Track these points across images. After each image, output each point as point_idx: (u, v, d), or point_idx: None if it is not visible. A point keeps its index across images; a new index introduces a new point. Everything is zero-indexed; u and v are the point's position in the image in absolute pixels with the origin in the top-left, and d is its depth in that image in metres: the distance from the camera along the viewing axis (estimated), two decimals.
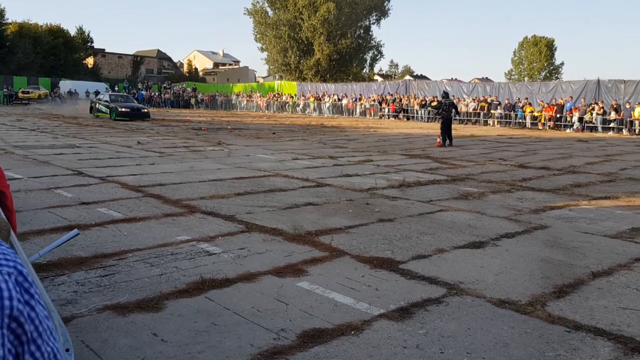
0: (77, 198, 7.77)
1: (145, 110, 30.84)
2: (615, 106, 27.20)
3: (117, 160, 12.13)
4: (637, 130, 26.01)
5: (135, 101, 33.10)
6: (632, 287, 4.66)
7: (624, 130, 26.26)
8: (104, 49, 75.41)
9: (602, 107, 27.17)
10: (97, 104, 30.59)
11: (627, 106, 26.94)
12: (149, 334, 3.51)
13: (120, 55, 78.61)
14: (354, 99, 41.16)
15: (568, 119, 27.69)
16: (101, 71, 69.65)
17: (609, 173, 11.97)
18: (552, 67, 68.49)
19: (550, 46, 67.97)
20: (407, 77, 70.76)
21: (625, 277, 4.92)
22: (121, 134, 19.60)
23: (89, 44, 66.75)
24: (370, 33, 58.46)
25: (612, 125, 26.82)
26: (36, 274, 4.44)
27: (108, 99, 30.46)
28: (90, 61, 70.03)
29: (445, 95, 19.85)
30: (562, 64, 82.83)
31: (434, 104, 18.19)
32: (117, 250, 5.31)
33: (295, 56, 56.07)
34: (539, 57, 67.24)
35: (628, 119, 26.31)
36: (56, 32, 60.55)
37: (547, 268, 5.11)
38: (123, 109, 28.50)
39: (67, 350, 1.28)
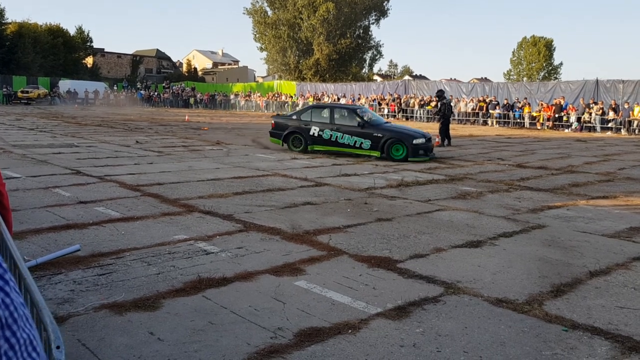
0: (75, 197, 7.76)
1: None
2: (613, 106, 27.22)
3: (116, 160, 12.12)
4: (635, 130, 26.03)
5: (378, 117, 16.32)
6: (629, 286, 4.66)
7: (622, 130, 26.26)
8: (103, 49, 75.38)
9: (602, 108, 27.19)
10: (315, 128, 14.36)
11: (626, 106, 26.96)
12: (146, 333, 3.51)
13: (119, 55, 78.58)
14: (353, 99, 41.15)
15: (565, 118, 27.69)
16: (100, 71, 69.58)
17: (607, 173, 11.98)
18: (550, 68, 68.51)
19: (549, 46, 67.98)
20: (406, 77, 70.75)
21: (623, 276, 4.92)
22: (120, 134, 19.59)
23: (88, 44, 66.69)
24: (370, 33, 58.50)
25: (610, 125, 26.84)
26: (34, 272, 4.44)
27: (329, 117, 14.44)
28: (89, 61, 69.97)
29: (440, 94, 19.59)
30: (561, 64, 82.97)
31: (433, 104, 18.03)
32: (114, 249, 5.31)
33: (294, 56, 56.08)
34: (538, 57, 67.25)
35: (627, 119, 26.32)
36: (55, 32, 60.48)
37: (545, 267, 5.11)
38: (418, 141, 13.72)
39: (58, 347, 1.28)
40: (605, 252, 5.70)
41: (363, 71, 61.39)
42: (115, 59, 77.57)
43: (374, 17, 57.50)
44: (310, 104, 43.05)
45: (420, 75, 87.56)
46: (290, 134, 14.72)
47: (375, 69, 72.65)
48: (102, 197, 7.82)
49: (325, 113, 14.56)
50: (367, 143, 13.67)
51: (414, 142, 13.40)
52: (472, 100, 33.49)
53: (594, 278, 4.84)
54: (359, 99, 41.00)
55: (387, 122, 15.13)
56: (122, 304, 3.96)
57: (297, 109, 43.88)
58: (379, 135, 13.63)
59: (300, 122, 14.70)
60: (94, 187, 8.68)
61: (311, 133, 14.33)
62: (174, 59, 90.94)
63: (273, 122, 15.52)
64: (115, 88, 58.94)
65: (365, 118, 14.14)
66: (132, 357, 3.20)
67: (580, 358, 3.33)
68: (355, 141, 13.77)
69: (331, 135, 14.04)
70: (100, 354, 3.22)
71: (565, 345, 3.50)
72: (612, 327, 3.80)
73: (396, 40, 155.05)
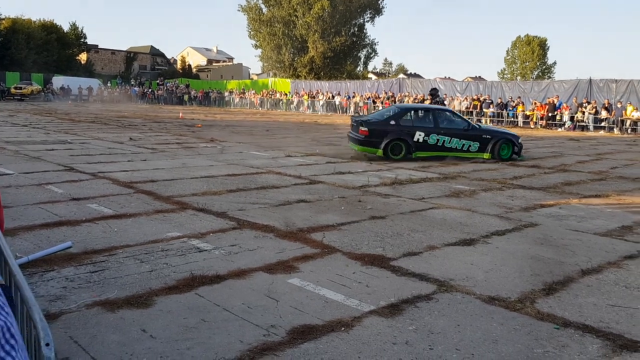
0: (68, 194, 7.73)
1: None
2: (606, 105, 27.35)
3: (109, 157, 12.07)
4: (628, 130, 26.16)
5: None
6: (621, 284, 4.69)
7: (615, 129, 26.40)
8: (97, 45, 75.01)
9: (595, 107, 27.33)
10: (420, 133, 13.31)
11: (619, 105, 27.10)
12: (138, 330, 3.50)
13: (113, 51, 78.23)
14: (347, 97, 41.15)
15: (558, 117, 27.80)
16: (94, 67, 69.26)
17: (600, 172, 12.04)
18: (544, 67, 68.78)
19: (542, 45, 68.23)
20: (401, 76, 70.84)
21: (615, 274, 4.95)
22: (113, 130, 19.51)
23: (82, 40, 66.37)
24: (365, 31, 58.49)
25: (603, 124, 26.96)
26: (26, 269, 4.42)
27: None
28: (83, 57, 69.63)
29: (434, 92, 19.57)
30: (555, 63, 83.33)
31: (427, 102, 18.05)
32: (107, 246, 5.29)
33: (289, 53, 56.00)
34: (532, 56, 67.49)
35: (619, 118, 26.45)
36: (49, 28, 60.16)
37: (537, 265, 5.14)
38: None
39: (48, 344, 1.27)
40: (597, 250, 5.73)
41: (358, 69, 61.37)
42: (109, 56, 77.22)
43: (368, 15, 57.48)
44: (305, 101, 43.09)
45: (415, 73, 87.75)
46: (391, 142, 13.02)
47: (370, 67, 72.58)
48: (95, 194, 7.80)
49: (428, 117, 13.68)
50: (475, 145, 13.46)
51: (519, 141, 13.84)
52: (466, 98, 33.59)
53: (585, 276, 4.87)
54: (353, 96, 41.01)
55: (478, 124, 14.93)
56: (115, 301, 3.95)
57: (292, 106, 43.88)
58: (488, 137, 13.60)
59: (402, 127, 13.23)
60: (87, 184, 8.65)
61: (415, 139, 13.09)
62: (168, 56, 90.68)
63: (365, 129, 13.02)
64: (109, 85, 58.64)
65: (467, 120, 14.17)
66: (124, 354, 3.19)
67: (572, 356, 3.35)
68: (464, 144, 13.41)
69: (437, 139, 13.21)
70: (92, 351, 3.21)
71: (556, 343, 3.52)
72: (604, 325, 3.82)
73: (391, 38, 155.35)
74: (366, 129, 13.05)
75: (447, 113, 14.31)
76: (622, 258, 5.46)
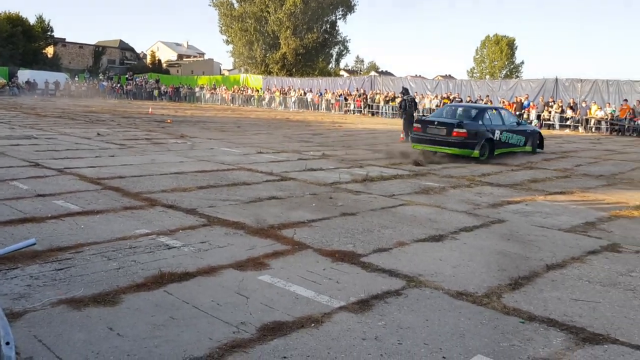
0: (33, 190, 7.55)
1: None
2: (572, 104, 27.99)
3: (76, 152, 11.84)
4: (592, 128, 26.82)
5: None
6: (584, 279, 4.81)
7: (580, 127, 27.04)
8: (64, 39, 73.36)
9: (561, 106, 27.95)
10: (497, 132, 13.73)
11: (584, 104, 27.76)
12: (105, 329, 3.45)
13: (81, 45, 76.59)
14: (319, 94, 41.17)
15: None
16: (61, 61, 67.68)
17: (565, 169, 12.32)
18: (512, 66, 70.02)
19: (511, 45, 69.43)
20: (373, 73, 71.16)
21: (578, 269, 5.08)
22: (81, 126, 19.12)
23: (48, 33, 64.80)
24: (337, 28, 58.54)
25: (569, 122, 27.59)
26: None
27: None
28: (50, 51, 68.00)
29: (405, 91, 20.02)
30: (523, 62, 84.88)
31: (398, 100, 18.25)
32: (73, 243, 5.19)
33: (261, 49, 55.70)
34: (500, 55, 68.62)
35: (584, 117, 27.10)
36: (15, 20, 58.57)
37: (504, 261, 5.23)
38: None
39: (8, 343, 1.25)
40: (561, 246, 5.87)
41: (330, 66, 61.42)
42: (77, 50, 75.59)
43: (340, 13, 57.54)
44: (277, 98, 42.94)
45: (386, 71, 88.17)
46: (485, 142, 13.17)
47: (342, 65, 72.85)
48: (62, 190, 7.64)
49: (499, 115, 14.28)
50: (523, 140, 14.64)
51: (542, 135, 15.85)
52: (436, 96, 33.98)
53: (550, 271, 4.98)
54: (325, 93, 41.05)
55: None
56: (81, 299, 3.88)
57: (263, 102, 43.62)
58: (529, 131, 15.22)
59: (486, 127, 13.36)
60: (53, 179, 8.47)
61: (495, 137, 13.51)
62: (138, 50, 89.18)
63: (464, 131, 12.76)
64: (76, 79, 57.43)
65: (516, 117, 15.76)
66: (90, 353, 3.14)
67: (536, 349, 3.42)
68: (519, 140, 14.47)
69: (507, 137, 14.04)
70: (57, 350, 3.15)
71: (522, 336, 3.60)
72: (567, 318, 3.92)
73: (363, 36, 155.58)
74: (465, 130, 12.81)
75: (505, 111, 15.51)
76: (585, 253, 5.60)
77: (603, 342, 3.56)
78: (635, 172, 12.34)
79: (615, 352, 3.42)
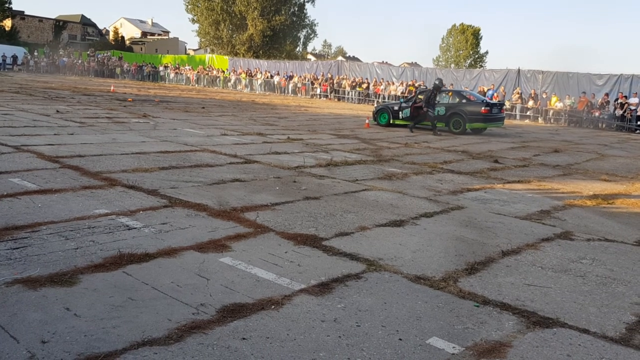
0: None
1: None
2: (533, 95, 28.62)
3: (34, 129, 11.49)
4: (551, 119, 27.51)
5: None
6: (537, 265, 4.98)
7: (539, 118, 27.70)
8: (23, 12, 70.91)
9: (520, 95, 28.60)
10: None
11: (544, 96, 28.43)
12: (61, 309, 3.40)
13: (41, 19, 74.07)
14: (286, 77, 40.92)
15: None
16: (19, 35, 65.39)
17: (524, 159, 12.64)
18: (477, 56, 70.98)
19: (476, 35, 70.32)
20: (340, 58, 71.09)
21: (532, 255, 5.25)
22: (39, 102, 18.54)
23: (6, 5, 62.31)
24: (305, 11, 58.06)
25: (529, 113, 28.22)
26: None
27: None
28: (7, 24, 65.49)
29: (440, 82, 18.07)
30: (487, 52, 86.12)
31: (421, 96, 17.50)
32: (30, 222, 5.07)
33: (227, 30, 54.88)
34: (466, 45, 69.46)
35: (544, 108, 27.77)
36: None
37: (461, 246, 5.37)
38: None
39: None
40: (517, 233, 6.05)
41: (297, 49, 61.04)
42: (36, 23, 73.07)
43: None
44: (243, 79, 42.47)
45: (354, 56, 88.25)
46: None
47: (310, 48, 72.55)
48: (18, 168, 7.42)
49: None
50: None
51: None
52: (402, 83, 34.20)
53: (505, 257, 5.13)
54: (292, 77, 40.82)
55: None
56: (37, 279, 3.81)
57: (229, 84, 43.09)
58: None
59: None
60: (9, 157, 8.21)
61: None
62: (100, 26, 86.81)
63: (488, 108, 18.24)
64: (35, 54, 55.50)
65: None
66: (46, 333, 3.09)
67: (489, 332, 3.54)
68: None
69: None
70: (11, 330, 3.09)
71: (476, 319, 3.71)
72: (520, 303, 4.06)
73: (330, 20, 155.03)
74: (489, 108, 17.94)
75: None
76: (539, 240, 5.79)
77: (553, 325, 3.70)
78: (590, 162, 12.76)
79: (563, 336, 3.56)
